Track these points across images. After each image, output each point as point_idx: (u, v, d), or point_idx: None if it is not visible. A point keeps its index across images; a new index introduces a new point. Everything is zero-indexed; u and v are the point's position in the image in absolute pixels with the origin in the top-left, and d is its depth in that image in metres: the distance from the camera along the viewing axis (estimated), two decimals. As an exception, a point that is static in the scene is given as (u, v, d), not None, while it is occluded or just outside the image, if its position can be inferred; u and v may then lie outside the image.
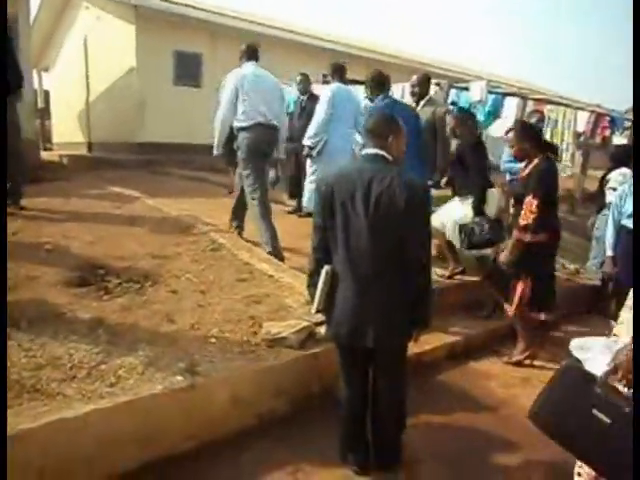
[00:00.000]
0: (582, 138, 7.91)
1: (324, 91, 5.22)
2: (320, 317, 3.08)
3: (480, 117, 7.37)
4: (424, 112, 4.65)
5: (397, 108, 3.98)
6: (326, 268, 2.21)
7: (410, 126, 3.63)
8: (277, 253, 4.09)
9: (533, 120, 4.96)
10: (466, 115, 4.35)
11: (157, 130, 10.06)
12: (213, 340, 2.81)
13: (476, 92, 6.63)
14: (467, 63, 17.69)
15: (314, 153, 5.02)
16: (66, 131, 12.92)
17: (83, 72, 11.71)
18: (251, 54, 4.38)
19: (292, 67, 8.05)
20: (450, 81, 7.25)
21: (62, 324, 2.77)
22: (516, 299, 3.50)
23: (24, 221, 4.47)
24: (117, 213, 4.93)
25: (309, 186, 5.19)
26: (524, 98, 7.54)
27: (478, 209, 4.05)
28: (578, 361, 1.90)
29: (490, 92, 6.78)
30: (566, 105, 7.81)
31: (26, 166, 5.22)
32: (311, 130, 5.03)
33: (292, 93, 7.08)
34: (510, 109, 7.60)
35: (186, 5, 10.78)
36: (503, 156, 5.01)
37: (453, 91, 7.03)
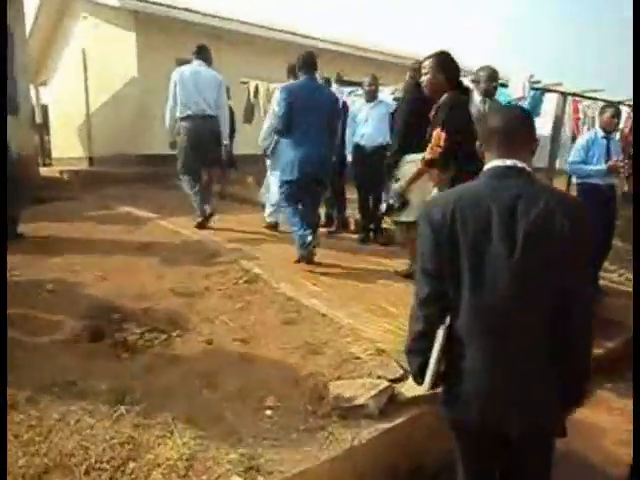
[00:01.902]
0: None
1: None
2: (399, 372, 2.48)
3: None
4: None
5: (314, 87, 4.04)
6: (444, 328, 1.56)
7: (327, 108, 3.99)
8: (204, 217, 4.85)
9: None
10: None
11: (162, 141, 9.44)
12: (269, 412, 2.16)
13: (517, 88, 6.00)
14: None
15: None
16: (66, 146, 12.34)
17: (82, 84, 11.14)
18: (198, 53, 4.97)
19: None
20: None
21: (73, 398, 2.12)
22: None
23: (21, 253, 3.83)
24: (129, 239, 4.29)
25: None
26: (564, 94, 6.92)
27: (389, 175, 3.79)
28: None
29: (531, 88, 6.15)
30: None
31: (22, 187, 4.57)
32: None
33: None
34: (549, 106, 7.01)
35: (187, 10, 10.20)
36: (570, 157, 4.38)
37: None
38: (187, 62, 10.62)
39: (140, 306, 2.99)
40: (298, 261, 3.93)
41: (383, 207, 3.85)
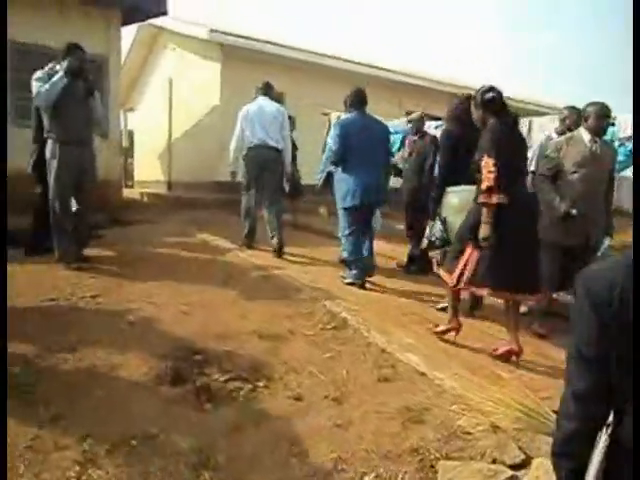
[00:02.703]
0: None
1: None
2: (519, 456, 2.09)
3: (620, 157, 6.23)
4: (576, 151, 3.63)
5: (366, 121, 4.40)
6: (607, 430, 1.20)
7: (380, 139, 4.38)
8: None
9: None
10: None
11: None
12: (370, 494, 1.85)
13: (626, 126, 5.49)
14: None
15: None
16: (147, 169, 12.83)
17: (166, 112, 11.59)
18: (263, 90, 5.29)
19: (377, 103, 7.22)
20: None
21: (153, 455, 1.91)
22: (458, 269, 3.08)
23: (103, 278, 3.79)
24: (210, 270, 4.17)
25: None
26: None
27: (433, 211, 3.69)
28: None
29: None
30: None
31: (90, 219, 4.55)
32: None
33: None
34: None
35: (269, 42, 10.40)
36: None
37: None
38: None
39: (223, 348, 2.79)
40: (351, 284, 4.20)
41: (424, 243, 3.81)
